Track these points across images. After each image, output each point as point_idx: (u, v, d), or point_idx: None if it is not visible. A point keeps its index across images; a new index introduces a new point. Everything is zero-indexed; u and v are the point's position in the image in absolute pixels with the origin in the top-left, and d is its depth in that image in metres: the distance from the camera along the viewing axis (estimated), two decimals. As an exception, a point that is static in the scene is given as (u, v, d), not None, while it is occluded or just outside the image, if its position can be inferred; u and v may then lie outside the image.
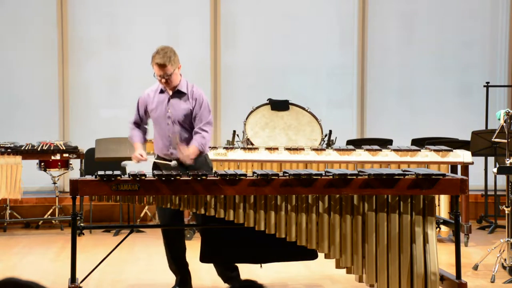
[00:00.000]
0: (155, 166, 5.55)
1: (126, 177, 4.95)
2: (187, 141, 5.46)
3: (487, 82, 8.86)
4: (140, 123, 5.66)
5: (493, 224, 8.28)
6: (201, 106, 5.45)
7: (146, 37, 9.32)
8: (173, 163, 5.37)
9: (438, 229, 7.26)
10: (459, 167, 7.40)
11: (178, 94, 5.49)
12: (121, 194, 4.92)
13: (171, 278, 5.76)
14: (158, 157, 5.57)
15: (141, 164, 5.65)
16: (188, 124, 5.47)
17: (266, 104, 7.82)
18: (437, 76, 9.63)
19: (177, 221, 5.60)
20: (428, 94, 9.63)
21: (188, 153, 5.34)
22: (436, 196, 5.85)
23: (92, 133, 8.80)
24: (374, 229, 5.00)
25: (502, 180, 8.80)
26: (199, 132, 5.40)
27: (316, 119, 7.72)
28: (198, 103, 5.46)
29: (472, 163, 7.37)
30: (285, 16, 9.51)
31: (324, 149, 7.33)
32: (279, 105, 7.79)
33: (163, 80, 5.41)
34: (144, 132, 5.69)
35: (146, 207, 8.51)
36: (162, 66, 5.35)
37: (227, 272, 5.64)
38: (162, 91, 5.54)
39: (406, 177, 5.01)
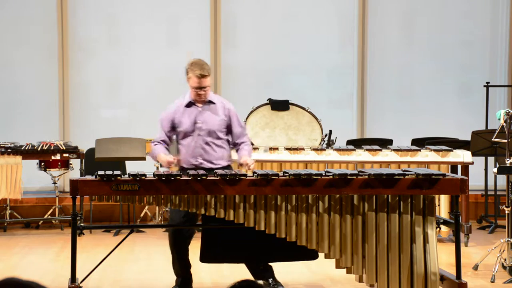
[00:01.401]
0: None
1: (126, 177, 4.95)
2: (220, 151, 5.51)
3: (487, 82, 8.86)
4: (164, 141, 5.58)
5: (493, 224, 8.28)
6: (236, 117, 5.59)
7: (146, 37, 9.32)
8: None
9: (438, 229, 7.25)
10: (459, 167, 7.40)
11: (209, 105, 5.52)
12: (121, 194, 4.92)
13: (171, 278, 5.76)
14: (183, 168, 5.51)
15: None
16: (221, 134, 5.53)
17: (266, 104, 7.82)
18: (437, 76, 9.63)
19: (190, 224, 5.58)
20: (428, 94, 9.62)
21: (250, 162, 5.45)
22: (436, 196, 5.85)
23: (92, 133, 8.80)
24: (374, 229, 5.00)
25: (502, 180, 8.79)
26: (245, 142, 5.60)
27: (316, 119, 7.72)
28: (232, 115, 5.57)
29: (472, 163, 7.37)
30: (285, 16, 9.51)
31: (324, 149, 7.32)
32: (279, 105, 7.79)
33: (201, 92, 5.43)
34: (167, 150, 5.62)
35: (146, 207, 8.51)
36: (204, 77, 5.39)
37: (261, 272, 5.61)
38: (189, 104, 5.53)
39: (406, 177, 5.01)
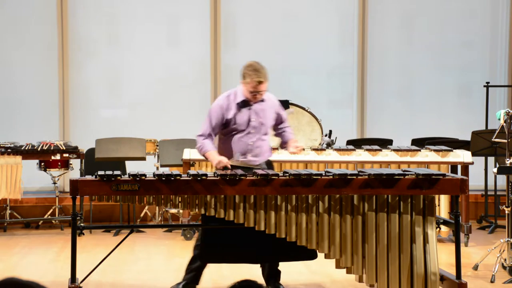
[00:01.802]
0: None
1: (126, 177, 4.94)
2: (266, 145, 5.60)
3: (487, 82, 8.86)
4: (210, 136, 5.55)
5: (493, 224, 8.28)
6: (281, 111, 5.73)
7: (146, 37, 9.32)
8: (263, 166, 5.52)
9: (438, 229, 7.24)
10: (459, 167, 7.40)
11: (260, 102, 5.58)
12: (121, 194, 4.92)
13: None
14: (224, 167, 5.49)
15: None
16: (269, 130, 5.64)
17: (266, 104, 7.80)
18: (437, 76, 9.63)
19: None
20: (428, 94, 9.63)
21: (298, 145, 5.63)
22: (436, 196, 5.84)
23: (92, 133, 8.80)
24: (374, 229, 5.00)
25: (502, 180, 8.79)
26: (288, 126, 5.77)
27: (316, 119, 7.72)
28: (279, 108, 5.70)
29: (472, 163, 7.37)
30: (285, 16, 9.51)
31: (324, 149, 7.32)
32: (279, 105, 7.77)
33: (258, 96, 5.48)
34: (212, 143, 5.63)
35: (146, 207, 8.51)
36: (263, 83, 5.47)
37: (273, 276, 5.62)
38: (242, 103, 5.54)
39: (406, 177, 5.01)
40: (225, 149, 5.54)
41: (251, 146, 5.52)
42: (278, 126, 5.75)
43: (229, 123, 5.52)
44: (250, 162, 5.50)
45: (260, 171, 5.11)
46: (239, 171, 5.13)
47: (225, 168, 5.36)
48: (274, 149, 7.25)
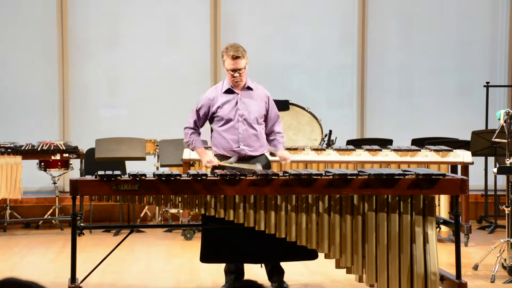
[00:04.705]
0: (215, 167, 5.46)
1: (126, 177, 4.94)
2: (261, 137, 5.54)
3: (487, 82, 8.86)
4: (197, 128, 5.59)
5: (493, 224, 8.28)
6: (272, 105, 5.64)
7: (146, 37, 9.32)
8: (258, 168, 5.26)
9: (438, 229, 7.23)
10: (459, 167, 7.40)
11: (248, 91, 5.55)
12: (121, 194, 4.92)
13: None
14: (221, 156, 5.50)
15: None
16: (261, 120, 5.56)
17: (266, 104, 7.80)
18: (437, 76, 9.63)
19: None
20: (428, 94, 9.63)
21: (287, 156, 5.56)
22: (436, 196, 5.84)
23: (92, 133, 8.80)
24: (374, 229, 5.00)
25: (502, 180, 8.79)
26: (279, 132, 5.64)
27: (316, 119, 7.72)
28: (270, 102, 5.62)
29: (472, 163, 7.37)
30: (285, 16, 9.51)
31: (324, 149, 7.32)
32: (279, 105, 7.76)
33: (236, 75, 5.43)
34: (200, 136, 5.64)
35: (146, 207, 8.51)
36: (237, 58, 5.40)
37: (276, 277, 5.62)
38: (228, 91, 5.53)
39: (406, 177, 5.01)
40: (218, 141, 5.53)
41: (242, 135, 5.48)
42: (270, 126, 5.61)
43: (217, 112, 5.51)
44: (243, 152, 5.47)
45: (260, 171, 5.10)
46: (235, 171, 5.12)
47: (214, 167, 5.38)
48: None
